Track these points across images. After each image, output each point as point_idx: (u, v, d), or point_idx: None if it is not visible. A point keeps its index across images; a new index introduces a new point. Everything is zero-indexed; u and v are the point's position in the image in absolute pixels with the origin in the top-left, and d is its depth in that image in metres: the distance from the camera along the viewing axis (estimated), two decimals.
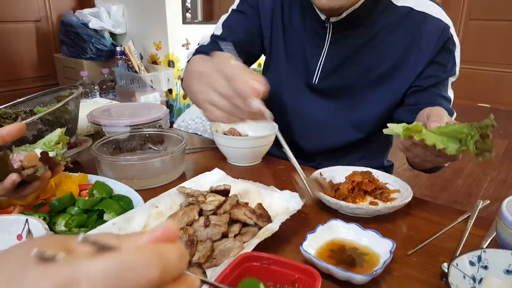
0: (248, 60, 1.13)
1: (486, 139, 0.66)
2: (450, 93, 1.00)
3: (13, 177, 0.59)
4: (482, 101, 4.60)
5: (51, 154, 0.65)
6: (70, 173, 0.81)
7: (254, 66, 3.60)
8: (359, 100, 1.04)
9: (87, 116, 1.11)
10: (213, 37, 1.08)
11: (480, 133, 0.66)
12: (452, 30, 0.96)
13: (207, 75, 0.63)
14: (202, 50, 1.02)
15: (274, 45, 1.10)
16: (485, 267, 0.58)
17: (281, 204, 0.74)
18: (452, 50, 0.97)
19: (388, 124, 0.74)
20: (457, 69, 1.00)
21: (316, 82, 1.05)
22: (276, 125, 1.04)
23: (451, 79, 1.00)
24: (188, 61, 0.99)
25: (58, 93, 1.07)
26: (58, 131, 0.73)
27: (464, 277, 0.56)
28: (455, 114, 0.97)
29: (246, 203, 0.74)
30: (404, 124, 0.72)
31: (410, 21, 0.96)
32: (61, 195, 0.72)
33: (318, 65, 1.04)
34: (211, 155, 1.09)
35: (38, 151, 0.65)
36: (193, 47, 1.09)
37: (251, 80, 0.59)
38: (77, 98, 0.97)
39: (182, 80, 1.01)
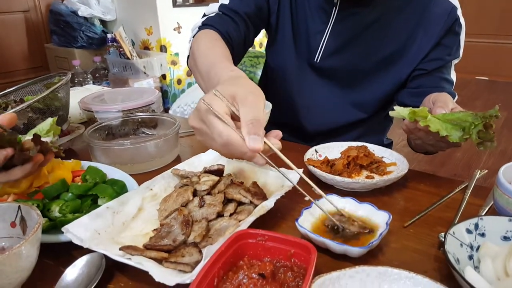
0: (254, 33, 1.06)
1: (489, 129, 0.67)
2: (453, 75, 0.98)
3: (5, 152, 0.58)
4: (480, 74, 4.57)
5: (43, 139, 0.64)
6: (63, 160, 0.80)
7: (257, 48, 3.49)
8: (362, 81, 1.01)
9: (79, 103, 1.10)
10: (222, 7, 0.99)
11: (484, 123, 0.66)
12: (459, 12, 0.93)
13: (203, 135, 0.57)
14: (209, 23, 0.95)
15: (281, 21, 1.05)
16: (482, 235, 0.57)
17: (276, 182, 0.74)
18: (458, 32, 0.94)
19: (394, 107, 0.75)
20: (461, 51, 0.97)
21: (318, 61, 1.02)
22: (270, 104, 1.03)
23: (455, 61, 0.98)
24: (194, 36, 0.94)
25: (47, 81, 1.05)
26: (50, 120, 0.71)
27: (461, 245, 0.56)
28: (456, 97, 0.95)
29: (241, 182, 0.73)
30: (411, 108, 0.73)
31: (418, 1, 0.94)
32: (54, 182, 0.71)
33: (321, 43, 1.00)
34: None
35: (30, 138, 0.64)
36: (194, 23, 1.01)
37: (248, 144, 0.52)
38: (66, 85, 0.95)
39: (188, 58, 0.96)
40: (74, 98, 1.10)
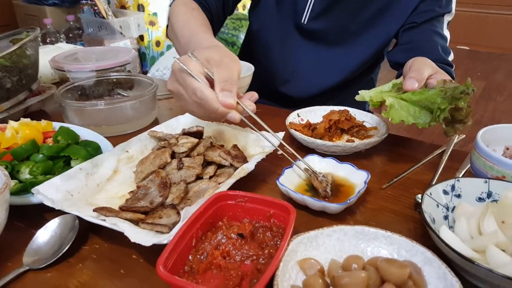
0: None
1: (459, 111, 0.62)
2: (446, 32, 0.96)
3: None
4: (461, 43, 4.58)
5: None
6: (33, 121, 0.76)
7: (240, 10, 3.36)
8: (349, 42, 0.99)
9: (50, 62, 1.04)
10: None
11: (453, 105, 0.62)
12: None
13: (180, 97, 0.60)
14: None
15: None
16: (458, 196, 0.58)
17: (257, 145, 0.72)
18: None
19: (359, 91, 0.75)
20: (453, 6, 0.95)
21: (305, 22, 0.98)
22: (252, 66, 1.00)
23: (447, 17, 0.96)
24: (171, 4, 0.91)
25: (14, 36, 0.99)
26: None
27: (438, 205, 0.56)
28: (452, 55, 0.94)
29: (221, 145, 0.72)
30: (371, 93, 0.72)
31: None
32: (23, 143, 0.67)
33: (308, 3, 0.97)
34: None
35: None
36: None
37: (220, 99, 0.55)
38: (35, 41, 0.90)
39: (167, 27, 0.93)
40: (45, 56, 1.04)
